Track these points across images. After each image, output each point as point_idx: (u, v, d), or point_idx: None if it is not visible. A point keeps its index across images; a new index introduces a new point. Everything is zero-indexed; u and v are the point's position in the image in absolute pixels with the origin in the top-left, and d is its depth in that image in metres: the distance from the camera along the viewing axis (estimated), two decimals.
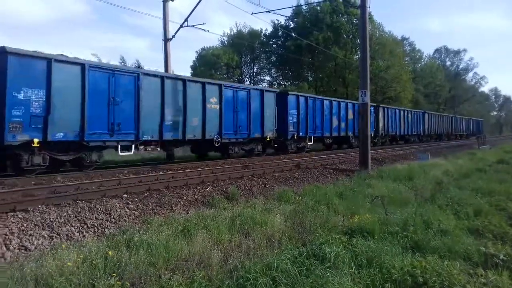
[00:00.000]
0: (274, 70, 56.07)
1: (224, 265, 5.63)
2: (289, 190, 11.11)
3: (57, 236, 6.69)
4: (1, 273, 4.68)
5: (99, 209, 8.03)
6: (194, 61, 56.94)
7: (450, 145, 37.79)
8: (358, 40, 32.39)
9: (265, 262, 5.11)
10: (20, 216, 7.09)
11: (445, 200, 9.61)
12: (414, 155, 24.60)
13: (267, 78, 57.02)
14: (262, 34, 53.99)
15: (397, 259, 5.27)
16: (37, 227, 6.79)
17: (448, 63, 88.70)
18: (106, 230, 7.29)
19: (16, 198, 8.13)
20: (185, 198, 9.72)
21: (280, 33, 49.98)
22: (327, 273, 4.67)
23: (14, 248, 6.07)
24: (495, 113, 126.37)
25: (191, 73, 51.74)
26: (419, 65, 75.12)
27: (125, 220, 7.84)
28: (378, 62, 47.15)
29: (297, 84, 49.71)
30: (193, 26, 22.35)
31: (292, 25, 49.94)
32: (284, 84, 52.35)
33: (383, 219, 7.60)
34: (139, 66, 42.66)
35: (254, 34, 54.50)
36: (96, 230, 7.25)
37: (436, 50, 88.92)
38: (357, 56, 45.11)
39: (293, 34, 45.27)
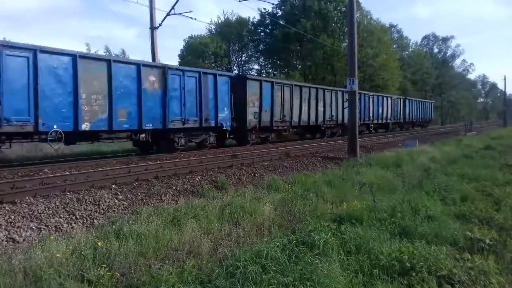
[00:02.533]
0: (262, 58, 55.83)
1: (214, 254, 5.66)
2: (279, 178, 11.15)
3: (45, 227, 6.65)
4: None
5: (88, 200, 7.99)
6: (181, 49, 56.48)
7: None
8: (346, 28, 32.36)
9: (255, 250, 5.14)
10: (7, 208, 7.02)
11: (432, 187, 9.73)
12: (401, 142, 24.80)
13: (256, 66, 56.84)
14: (250, 22, 53.64)
15: (385, 245, 5.34)
16: (25, 219, 6.74)
17: (435, 50, 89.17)
18: (95, 221, 7.25)
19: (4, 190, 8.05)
20: (174, 188, 9.71)
21: (267, 21, 49.66)
22: (316, 260, 4.71)
23: (2, 240, 6.02)
24: (482, 100, 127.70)
25: (178, 62, 51.32)
26: (407, 52, 75.39)
27: (114, 211, 7.82)
28: (366, 49, 47.15)
29: (286, 73, 49.60)
30: (180, 14, 22.12)
31: (279, 13, 49.65)
32: (273, 73, 52.19)
33: (371, 206, 7.67)
34: (124, 56, 42.42)
35: (242, 22, 54.10)
36: (85, 221, 7.21)
37: (424, 37, 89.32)
38: (345, 44, 45.00)
39: (281, 21, 45.02)
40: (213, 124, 18.22)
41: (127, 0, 26.17)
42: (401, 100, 41.49)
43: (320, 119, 27.06)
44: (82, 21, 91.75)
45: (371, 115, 33.58)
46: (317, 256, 4.87)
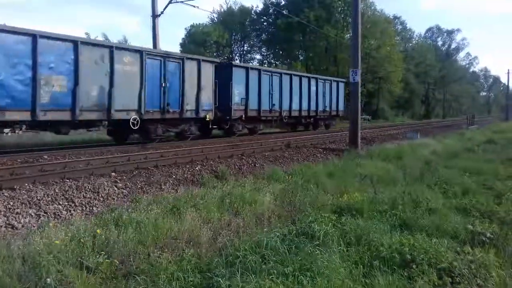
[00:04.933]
0: (264, 48, 55.62)
1: (214, 243, 5.63)
2: (279, 169, 11.10)
3: (44, 214, 6.63)
4: None
5: (87, 187, 7.96)
6: (183, 38, 56.24)
7: None
8: (350, 19, 32.17)
9: (255, 240, 5.12)
10: (6, 194, 7.00)
11: (434, 179, 9.69)
12: (402, 134, 24.74)
13: (258, 56, 56.64)
14: (252, 11, 53.37)
15: (386, 237, 5.31)
16: (24, 205, 6.72)
17: (439, 42, 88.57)
18: (94, 208, 7.23)
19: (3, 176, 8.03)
20: (174, 177, 9.68)
21: (271, 10, 49.37)
22: (316, 251, 4.69)
23: (1, 226, 6.01)
24: (484, 93, 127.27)
25: (180, 50, 51.03)
26: (410, 44, 75.00)
27: (114, 199, 7.79)
28: (369, 41, 46.90)
29: (288, 63, 49.39)
30: (182, 1, 21.96)
31: (283, 2, 49.35)
32: (275, 63, 51.98)
33: (372, 197, 7.64)
34: (126, 43, 42.20)
35: (244, 11, 53.85)
36: (84, 208, 7.19)
37: (428, 30, 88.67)
38: (348, 35, 44.78)
39: (284, 11, 44.73)
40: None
41: None
42: (223, 67, 19.15)
43: None
44: (83, 8, 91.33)
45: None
46: (317, 247, 4.84)
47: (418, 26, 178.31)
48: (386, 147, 16.73)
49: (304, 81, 25.78)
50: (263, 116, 21.97)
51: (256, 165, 12.07)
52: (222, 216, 6.77)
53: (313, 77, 27.59)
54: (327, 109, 28.47)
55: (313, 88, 26.61)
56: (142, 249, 5.17)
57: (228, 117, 18.90)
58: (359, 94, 16.86)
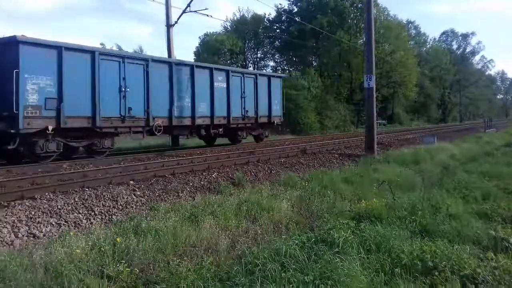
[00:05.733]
0: (278, 55, 55.68)
1: (232, 251, 5.64)
2: (295, 175, 11.08)
3: (65, 223, 6.70)
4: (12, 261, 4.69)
5: (106, 196, 8.03)
6: (197, 47, 56.57)
7: None
8: (363, 24, 32.07)
9: (274, 247, 5.10)
10: (27, 203, 7.10)
11: (453, 184, 9.56)
12: (419, 139, 24.48)
13: (271, 63, 56.71)
14: (265, 19, 53.56)
15: (406, 243, 5.25)
16: (45, 215, 6.80)
17: (454, 46, 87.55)
18: (113, 217, 7.29)
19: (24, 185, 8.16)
20: (191, 184, 9.71)
21: (283, 17, 49.47)
22: (336, 259, 4.65)
23: (23, 235, 6.09)
24: (501, 96, 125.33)
25: (194, 59, 51.42)
26: (424, 48, 74.32)
27: (132, 207, 7.84)
28: (383, 46, 46.61)
29: (302, 69, 49.37)
30: (195, 11, 22.15)
31: (295, 9, 49.41)
32: (289, 70, 51.98)
33: (391, 203, 7.56)
34: (141, 52, 42.65)
35: (257, 19, 53.98)
36: (104, 217, 7.25)
37: (443, 33, 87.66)
38: (361, 40, 44.59)
39: (296, 18, 44.78)
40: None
41: None
42: None
43: None
44: (97, 19, 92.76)
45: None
46: (337, 255, 4.80)
47: (432, 31, 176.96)
48: (403, 152, 16.57)
49: (201, 75, 17.39)
50: (106, 126, 13.72)
51: (272, 171, 12.05)
52: (240, 223, 6.78)
53: (219, 69, 18.96)
54: (251, 114, 19.93)
55: (219, 85, 18.21)
56: (161, 257, 5.20)
57: (13, 130, 11.26)
58: (374, 100, 16.75)
